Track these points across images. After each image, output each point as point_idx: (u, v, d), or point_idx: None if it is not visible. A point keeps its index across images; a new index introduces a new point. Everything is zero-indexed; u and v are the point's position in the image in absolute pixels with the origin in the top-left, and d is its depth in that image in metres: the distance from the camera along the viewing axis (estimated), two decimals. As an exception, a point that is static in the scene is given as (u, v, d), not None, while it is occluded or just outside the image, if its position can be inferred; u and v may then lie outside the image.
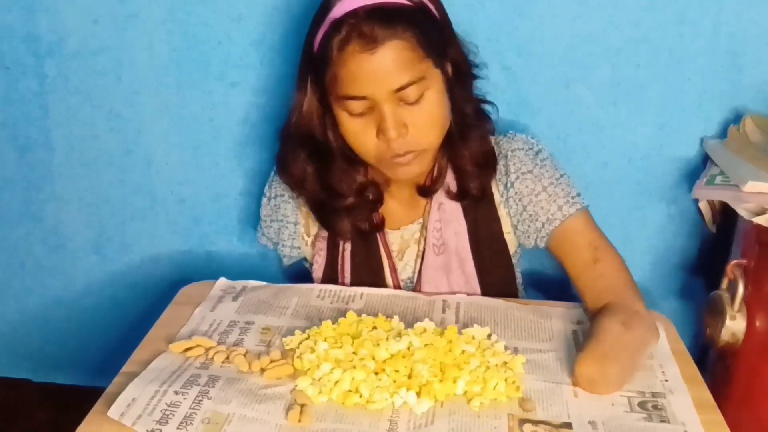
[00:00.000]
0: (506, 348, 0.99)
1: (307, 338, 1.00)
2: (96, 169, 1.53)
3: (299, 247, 1.27)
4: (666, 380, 0.94)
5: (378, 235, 1.21)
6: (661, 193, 1.44)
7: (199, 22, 1.40)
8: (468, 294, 1.17)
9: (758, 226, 1.16)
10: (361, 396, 0.88)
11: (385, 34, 1.01)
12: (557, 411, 0.87)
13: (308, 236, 1.26)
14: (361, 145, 1.09)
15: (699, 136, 1.40)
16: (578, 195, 1.17)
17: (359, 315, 1.05)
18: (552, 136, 1.39)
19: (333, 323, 1.02)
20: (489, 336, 1.01)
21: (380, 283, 1.21)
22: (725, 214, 1.31)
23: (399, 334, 0.98)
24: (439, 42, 1.07)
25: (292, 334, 1.01)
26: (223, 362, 0.96)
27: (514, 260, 1.24)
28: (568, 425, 0.85)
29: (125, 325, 1.59)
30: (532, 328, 1.06)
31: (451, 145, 1.15)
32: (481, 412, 0.87)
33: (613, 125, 1.41)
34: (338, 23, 1.02)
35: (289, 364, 0.95)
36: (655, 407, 0.89)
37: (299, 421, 0.85)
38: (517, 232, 1.21)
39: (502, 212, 1.20)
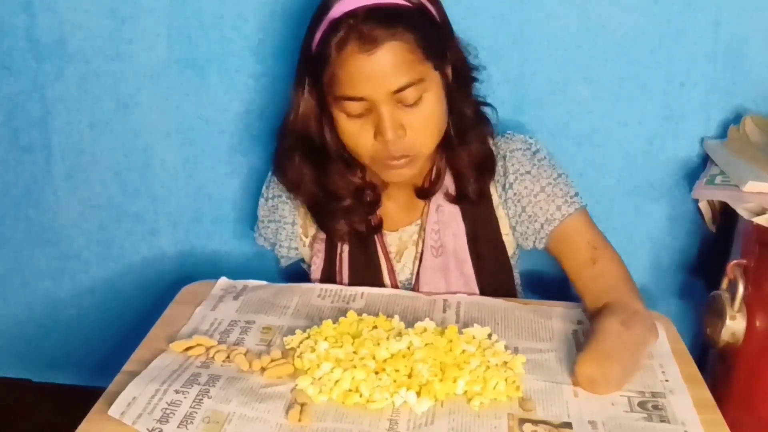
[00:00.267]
0: (506, 348, 0.99)
1: (307, 338, 1.00)
2: (96, 169, 1.53)
3: (297, 248, 1.27)
4: (666, 380, 0.94)
5: (376, 236, 1.21)
6: (661, 193, 1.45)
7: (198, 23, 1.40)
8: (466, 291, 1.17)
9: (758, 226, 1.16)
10: (361, 395, 0.88)
11: (384, 35, 1.00)
12: (557, 411, 0.87)
13: (306, 237, 1.26)
14: (357, 146, 1.08)
15: (699, 136, 1.40)
16: (576, 194, 1.17)
17: (360, 314, 1.05)
18: (551, 136, 1.39)
19: (333, 323, 1.02)
20: (489, 336, 1.01)
21: (378, 284, 1.21)
22: (725, 214, 1.31)
23: (399, 334, 0.98)
24: (438, 44, 1.07)
25: (293, 333, 1.01)
26: (223, 361, 0.96)
27: (512, 261, 1.24)
28: (568, 425, 0.85)
29: (125, 325, 1.59)
30: (532, 327, 1.06)
31: (450, 147, 1.14)
32: (481, 412, 0.87)
33: (613, 125, 1.41)
34: (337, 23, 1.02)
35: (290, 363, 0.95)
36: (655, 407, 0.89)
37: (299, 420, 0.85)
38: (515, 234, 1.21)
39: (500, 213, 1.20)
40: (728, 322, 1.20)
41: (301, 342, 0.99)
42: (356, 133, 1.07)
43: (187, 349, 0.98)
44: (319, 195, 1.17)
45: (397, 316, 1.04)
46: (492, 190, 1.19)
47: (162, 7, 1.40)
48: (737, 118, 1.35)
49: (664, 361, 0.98)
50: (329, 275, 1.23)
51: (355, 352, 0.95)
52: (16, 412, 1.73)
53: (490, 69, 1.18)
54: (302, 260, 1.30)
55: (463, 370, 0.91)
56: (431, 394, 0.88)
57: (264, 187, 1.28)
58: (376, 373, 0.92)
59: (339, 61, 1.02)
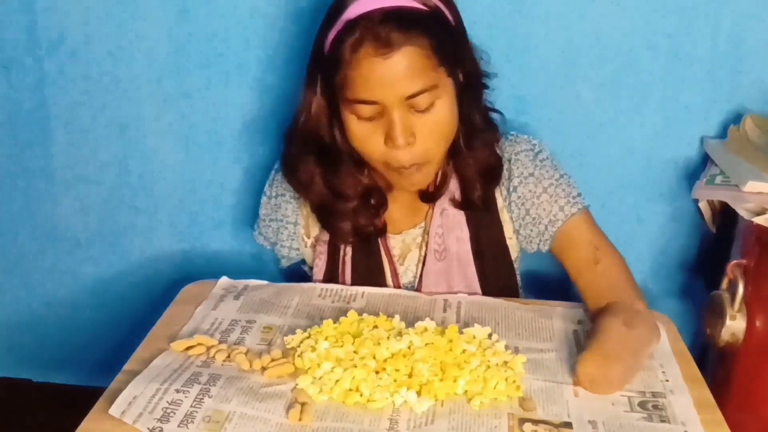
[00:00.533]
0: (507, 347, 0.99)
1: (308, 337, 1.00)
2: (96, 169, 1.53)
3: (298, 249, 1.26)
4: (666, 380, 0.94)
5: (379, 239, 1.21)
6: (661, 193, 1.45)
7: (198, 22, 1.40)
8: (468, 293, 1.17)
9: (758, 226, 1.16)
10: (361, 395, 0.88)
11: (400, 39, 0.99)
12: (557, 410, 0.88)
13: (308, 238, 1.26)
14: (367, 149, 1.08)
15: (699, 136, 1.40)
16: (579, 195, 1.17)
17: (360, 314, 1.05)
18: (551, 136, 1.39)
19: (334, 322, 1.02)
20: (490, 335, 1.01)
21: (381, 287, 1.19)
22: (725, 214, 1.31)
23: (400, 334, 0.98)
24: (453, 50, 1.06)
25: (294, 333, 1.01)
26: (224, 361, 0.96)
27: (515, 265, 1.24)
28: (568, 425, 0.85)
29: (126, 325, 1.59)
30: (532, 327, 1.06)
31: (458, 153, 1.14)
32: (482, 412, 0.87)
33: (613, 125, 1.41)
34: (352, 24, 1.01)
35: (290, 362, 0.95)
36: (655, 407, 0.89)
37: (300, 419, 0.85)
38: (519, 237, 1.20)
39: (504, 217, 1.20)
40: (728, 322, 1.20)
41: (301, 341, 0.99)
42: (366, 137, 1.06)
43: (188, 348, 0.98)
44: (328, 196, 1.16)
45: (397, 316, 1.04)
46: (496, 194, 1.19)
47: (162, 7, 1.40)
48: (737, 118, 1.36)
49: (665, 361, 0.98)
50: (332, 277, 1.22)
51: (355, 352, 0.95)
52: (16, 412, 1.73)
53: (490, 69, 1.18)
54: (303, 262, 1.30)
55: (463, 370, 0.91)
56: (431, 394, 0.88)
57: (267, 185, 1.27)
58: (377, 372, 0.92)
59: (353, 63, 1.01)
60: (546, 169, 1.17)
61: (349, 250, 1.20)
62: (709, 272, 1.42)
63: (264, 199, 1.27)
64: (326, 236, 1.22)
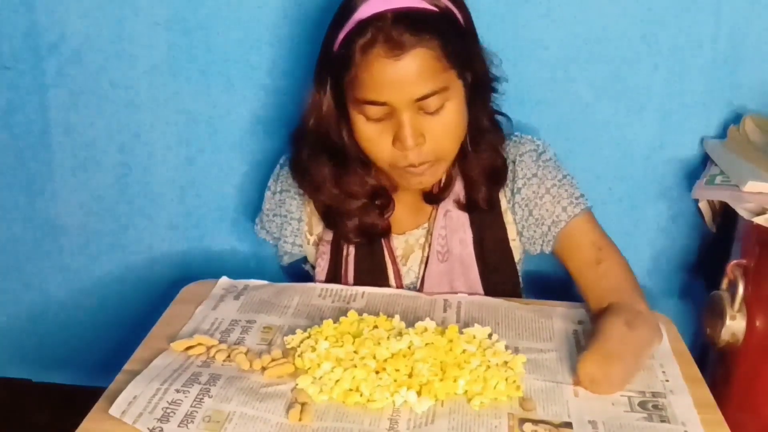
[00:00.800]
0: (507, 347, 0.99)
1: (308, 337, 1.00)
2: (96, 169, 1.53)
3: (301, 245, 1.26)
4: (666, 380, 0.94)
5: (383, 239, 1.20)
6: (661, 193, 1.45)
7: (198, 22, 1.40)
8: (469, 294, 1.17)
9: (758, 226, 1.16)
10: (361, 395, 0.88)
11: (411, 41, 0.99)
12: (557, 410, 0.88)
13: (311, 235, 1.25)
14: (374, 150, 1.07)
15: (699, 136, 1.40)
16: (582, 195, 1.17)
17: (360, 314, 1.05)
18: (551, 135, 1.38)
19: (334, 322, 1.02)
20: (490, 335, 1.01)
21: (384, 287, 1.19)
22: (725, 214, 1.32)
23: (400, 334, 0.98)
24: (463, 52, 1.05)
25: (294, 333, 1.01)
26: (224, 361, 0.96)
27: (517, 267, 1.23)
28: (569, 425, 0.85)
29: (126, 325, 1.59)
30: (532, 327, 1.06)
31: (463, 155, 1.14)
32: (482, 412, 0.87)
33: (613, 125, 1.41)
34: (363, 25, 1.00)
35: (290, 362, 0.95)
36: (655, 407, 0.89)
37: (300, 419, 0.85)
38: (522, 239, 1.20)
39: (508, 219, 1.20)
40: (728, 322, 1.20)
41: (301, 341, 0.99)
42: (374, 137, 1.06)
43: (188, 348, 0.98)
44: (338, 196, 1.15)
45: (397, 316, 1.04)
46: (500, 195, 1.19)
47: (162, 7, 1.40)
48: (737, 118, 1.36)
49: (665, 361, 0.98)
50: (334, 277, 1.22)
51: (355, 352, 0.95)
52: (16, 412, 1.73)
53: (500, 72, 1.18)
54: (305, 260, 1.30)
55: (463, 370, 0.91)
56: (431, 394, 0.88)
57: (271, 180, 1.26)
58: (377, 372, 0.92)
59: (363, 63, 1.00)
60: (549, 170, 1.17)
61: (352, 250, 1.20)
62: (709, 272, 1.42)
63: (268, 193, 1.27)
64: (329, 236, 1.21)
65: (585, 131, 1.42)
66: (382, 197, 1.17)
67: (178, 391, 0.88)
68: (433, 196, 1.17)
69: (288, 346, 1.00)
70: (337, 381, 0.90)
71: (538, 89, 1.39)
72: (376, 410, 0.87)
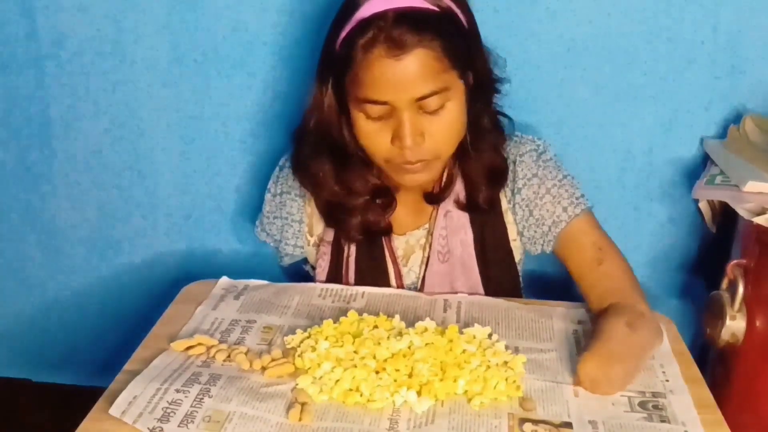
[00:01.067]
0: (507, 347, 0.99)
1: (308, 337, 1.00)
2: (96, 169, 1.53)
3: (302, 247, 1.26)
4: (666, 380, 0.94)
5: (383, 239, 1.20)
6: (661, 193, 1.45)
7: (198, 22, 1.40)
8: (469, 294, 1.17)
9: (758, 226, 1.16)
10: (361, 395, 0.88)
11: (413, 41, 0.99)
12: (557, 410, 0.88)
13: (311, 236, 1.25)
14: (372, 146, 1.08)
15: (699, 136, 1.40)
16: (582, 196, 1.17)
17: (360, 314, 1.05)
18: (552, 135, 1.39)
19: (334, 322, 1.02)
20: (490, 335, 1.01)
21: (385, 287, 1.19)
22: (725, 214, 1.32)
23: (400, 334, 0.98)
24: (465, 53, 1.05)
25: (294, 332, 1.01)
26: (224, 361, 0.96)
27: (518, 267, 1.23)
28: (569, 425, 0.85)
29: (126, 325, 1.59)
30: (533, 327, 1.06)
31: (464, 155, 1.14)
32: (482, 411, 0.87)
33: (613, 125, 1.41)
34: (365, 24, 1.00)
35: (290, 362, 0.95)
36: (655, 407, 0.89)
37: (300, 419, 0.85)
38: (522, 239, 1.20)
39: (509, 219, 1.20)
40: (728, 322, 1.20)
41: (301, 341, 0.99)
42: (374, 135, 1.06)
43: (188, 348, 0.98)
44: (339, 193, 1.15)
45: (397, 316, 1.04)
46: (501, 195, 1.19)
47: (162, 7, 1.40)
48: (737, 118, 1.36)
49: (665, 361, 0.98)
50: (335, 278, 1.22)
51: (355, 352, 0.95)
52: (16, 412, 1.73)
53: (503, 73, 1.17)
54: (305, 261, 1.30)
55: (463, 370, 0.91)
56: (431, 394, 0.88)
57: (271, 182, 1.26)
58: (377, 372, 0.92)
59: (364, 63, 1.01)
60: (549, 170, 1.17)
61: (353, 250, 1.20)
62: (709, 272, 1.42)
63: (268, 196, 1.26)
64: (330, 236, 1.22)
65: (585, 131, 1.42)
66: (385, 195, 1.17)
67: (178, 391, 0.88)
68: (433, 197, 1.17)
69: (288, 346, 1.00)
70: (337, 381, 0.90)
71: (537, 89, 1.39)
72: (376, 410, 0.87)
